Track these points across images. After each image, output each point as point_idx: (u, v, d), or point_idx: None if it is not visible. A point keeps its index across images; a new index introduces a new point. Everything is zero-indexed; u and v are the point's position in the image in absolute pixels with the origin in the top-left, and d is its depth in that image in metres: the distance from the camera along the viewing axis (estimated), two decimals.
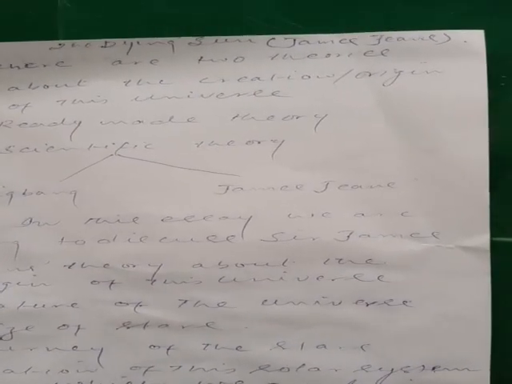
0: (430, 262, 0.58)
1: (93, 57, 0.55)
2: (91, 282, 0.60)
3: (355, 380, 0.61)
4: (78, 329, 0.61)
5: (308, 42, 0.54)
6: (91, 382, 0.62)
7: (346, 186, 0.56)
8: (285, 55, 0.54)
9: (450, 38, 0.54)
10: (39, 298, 0.60)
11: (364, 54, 0.54)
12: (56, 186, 0.58)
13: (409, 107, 0.55)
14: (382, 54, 0.54)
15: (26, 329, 0.61)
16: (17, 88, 0.56)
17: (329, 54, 0.54)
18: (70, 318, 0.61)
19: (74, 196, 0.58)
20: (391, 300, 0.59)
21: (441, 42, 0.54)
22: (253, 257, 0.59)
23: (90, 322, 0.61)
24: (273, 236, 0.58)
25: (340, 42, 0.54)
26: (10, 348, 0.62)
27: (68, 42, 0.54)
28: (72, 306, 0.60)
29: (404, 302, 0.59)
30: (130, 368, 0.62)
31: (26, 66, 0.55)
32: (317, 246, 0.58)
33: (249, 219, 0.58)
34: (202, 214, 0.58)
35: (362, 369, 0.61)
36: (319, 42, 0.54)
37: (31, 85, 0.55)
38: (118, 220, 0.58)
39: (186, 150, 0.57)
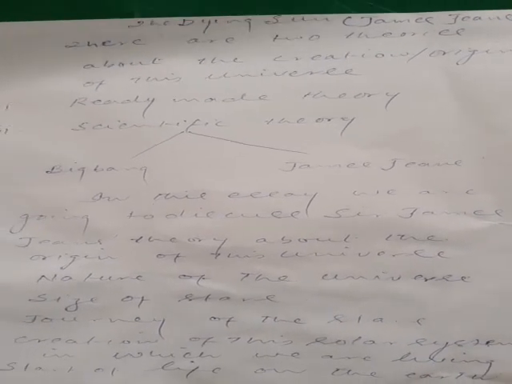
0: (492, 239, 0.58)
1: (170, 35, 0.54)
2: (157, 256, 0.61)
3: (409, 353, 0.62)
4: (142, 301, 0.62)
5: (384, 21, 0.53)
6: (151, 352, 0.63)
7: (414, 163, 0.56)
8: (360, 34, 0.54)
9: None
10: (105, 271, 0.61)
11: (439, 33, 0.54)
12: (127, 162, 0.58)
13: (481, 86, 0.55)
14: (458, 33, 0.53)
15: (91, 300, 0.62)
16: (92, 65, 0.56)
17: (404, 33, 0.54)
18: (134, 290, 0.62)
19: (145, 172, 0.58)
20: (450, 276, 0.60)
21: None
22: (316, 232, 0.59)
23: (154, 294, 0.62)
24: (336, 212, 0.58)
25: (416, 21, 0.53)
26: (75, 319, 0.62)
27: (147, 20, 0.54)
28: (137, 278, 0.61)
29: (463, 278, 0.60)
30: (190, 339, 0.63)
31: (103, 43, 0.55)
32: (380, 223, 0.58)
33: (314, 196, 0.58)
34: (267, 191, 0.58)
35: (417, 342, 0.62)
36: (395, 21, 0.53)
37: (107, 62, 0.55)
38: (186, 196, 0.59)
39: (256, 128, 0.57)
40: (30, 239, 0.61)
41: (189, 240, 0.60)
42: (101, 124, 0.57)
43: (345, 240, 0.59)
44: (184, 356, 0.63)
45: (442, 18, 0.54)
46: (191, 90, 0.56)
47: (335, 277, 0.60)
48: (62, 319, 0.62)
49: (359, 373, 0.62)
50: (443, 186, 0.57)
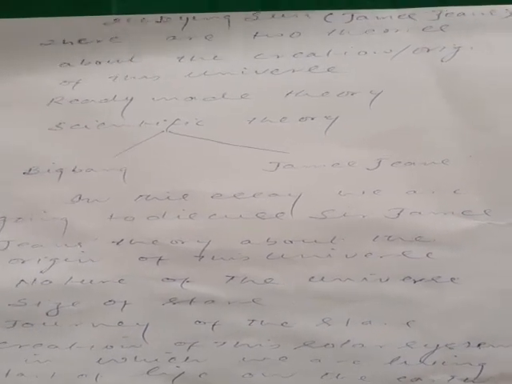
0: (481, 239, 0.58)
1: (147, 32, 0.54)
2: (139, 258, 0.60)
3: (400, 356, 0.62)
4: (125, 304, 0.62)
5: (366, 18, 0.53)
6: (135, 357, 0.63)
7: (399, 162, 0.56)
8: (342, 31, 0.53)
9: (511, 14, 0.53)
10: (86, 274, 0.61)
11: (423, 30, 0.53)
12: (106, 162, 0.58)
13: (467, 83, 0.54)
14: (441, 30, 0.53)
15: (73, 304, 0.62)
16: (69, 64, 0.55)
17: (387, 30, 0.53)
18: (116, 293, 0.61)
19: (124, 173, 0.58)
20: (439, 277, 0.60)
21: (502, 17, 0.53)
22: (301, 234, 0.59)
23: (137, 298, 0.62)
24: (322, 213, 0.58)
25: (399, 17, 0.53)
26: (56, 323, 0.62)
27: (123, 17, 0.53)
28: (119, 281, 0.61)
29: (452, 279, 0.59)
30: (175, 343, 0.63)
31: (79, 41, 0.54)
32: (366, 224, 0.58)
33: (298, 196, 0.58)
34: (251, 191, 0.58)
35: (407, 345, 0.61)
36: (377, 18, 0.53)
37: (83, 61, 0.55)
38: (168, 197, 0.58)
39: (238, 127, 0.56)
40: (8, 242, 0.60)
41: (171, 242, 0.60)
42: (78, 124, 0.57)
43: (331, 241, 0.59)
44: (169, 361, 0.63)
45: (425, 15, 0.53)
46: (171, 89, 0.56)
47: (322, 279, 0.60)
48: (43, 324, 0.62)
49: (349, 377, 0.62)
50: (430, 185, 0.57)
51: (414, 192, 0.57)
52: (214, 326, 0.62)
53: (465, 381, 0.62)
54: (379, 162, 0.56)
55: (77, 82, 0.56)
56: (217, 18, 0.53)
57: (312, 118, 0.56)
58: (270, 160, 0.57)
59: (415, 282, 0.60)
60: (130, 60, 0.55)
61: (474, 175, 0.57)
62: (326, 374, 0.62)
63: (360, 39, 0.54)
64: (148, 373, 0.63)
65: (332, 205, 0.58)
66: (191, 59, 0.55)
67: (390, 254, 0.59)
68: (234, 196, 0.58)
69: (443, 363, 0.61)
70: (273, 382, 0.62)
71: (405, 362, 0.62)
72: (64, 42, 0.54)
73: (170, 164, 0.57)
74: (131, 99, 0.56)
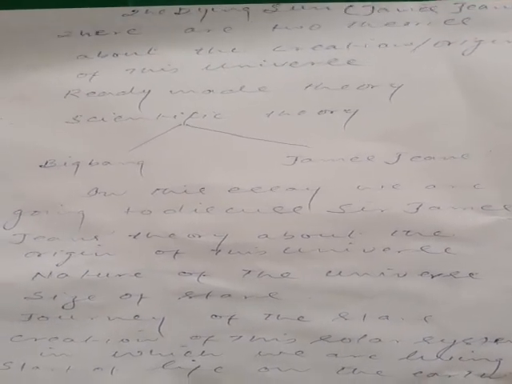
0: (500, 235, 0.58)
1: (165, 24, 0.53)
2: (156, 252, 0.60)
3: (416, 351, 0.61)
4: (141, 298, 0.62)
5: (387, 10, 0.52)
6: (151, 351, 0.63)
7: (419, 157, 0.55)
8: (362, 23, 0.52)
9: None
10: (103, 268, 0.61)
11: (444, 23, 0.52)
12: (123, 156, 0.57)
13: (487, 78, 0.53)
14: (463, 23, 0.52)
15: (89, 298, 0.62)
16: (86, 56, 0.55)
17: (407, 23, 0.52)
18: (132, 287, 0.61)
19: (141, 166, 0.57)
20: (457, 272, 0.59)
21: None
22: (319, 228, 0.58)
23: (153, 292, 0.62)
24: (340, 207, 0.57)
25: (420, 10, 0.52)
26: (72, 317, 0.62)
27: (142, 9, 0.53)
28: (135, 275, 0.61)
29: (470, 275, 0.59)
30: (191, 337, 0.63)
31: (97, 33, 0.54)
32: (385, 218, 0.58)
33: (316, 190, 0.57)
34: (269, 185, 0.57)
35: (424, 340, 0.61)
36: (398, 10, 0.52)
37: (100, 53, 0.55)
38: (185, 190, 0.58)
39: (256, 120, 0.56)
40: (25, 235, 0.60)
41: (188, 236, 0.60)
42: (95, 116, 0.57)
43: (349, 236, 0.59)
44: (185, 355, 0.63)
45: (446, 7, 0.52)
46: (188, 82, 0.56)
47: (339, 273, 0.60)
48: (59, 317, 0.62)
49: (365, 371, 0.62)
50: (450, 180, 0.57)
51: (434, 187, 0.57)
52: (230, 320, 0.62)
53: (481, 376, 0.61)
54: (399, 157, 0.56)
55: (94, 75, 0.55)
56: (236, 9, 0.53)
57: (331, 112, 0.55)
58: (288, 154, 0.57)
59: (433, 277, 0.59)
60: (148, 52, 0.54)
61: (494, 170, 0.56)
62: (343, 368, 0.62)
63: (380, 32, 0.53)
64: (163, 366, 0.63)
65: (350, 199, 0.57)
66: (209, 51, 0.54)
67: (408, 248, 0.59)
68: (252, 190, 0.58)
69: (460, 358, 0.61)
70: (288, 376, 0.62)
71: (421, 357, 0.61)
72: (81, 34, 0.54)
73: (188, 157, 0.57)
74: (148, 92, 0.56)
